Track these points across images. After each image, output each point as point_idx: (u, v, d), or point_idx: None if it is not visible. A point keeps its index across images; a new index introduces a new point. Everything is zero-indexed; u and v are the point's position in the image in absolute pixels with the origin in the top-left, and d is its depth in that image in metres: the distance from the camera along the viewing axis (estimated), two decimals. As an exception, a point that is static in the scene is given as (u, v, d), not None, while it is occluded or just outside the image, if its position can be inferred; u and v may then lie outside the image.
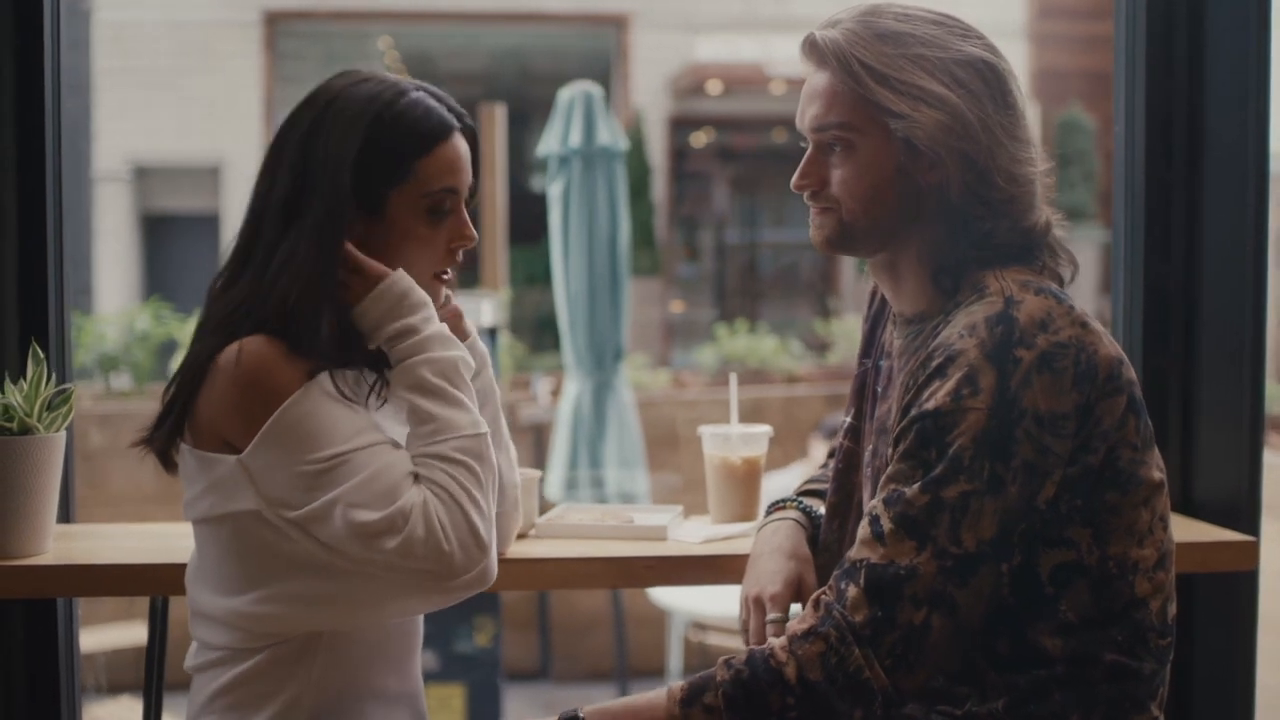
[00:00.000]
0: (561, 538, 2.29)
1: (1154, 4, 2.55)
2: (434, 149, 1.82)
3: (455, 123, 1.86)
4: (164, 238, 14.05)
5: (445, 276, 1.89)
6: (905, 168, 1.80)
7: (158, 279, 14.00)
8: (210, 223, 13.68)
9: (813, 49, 1.86)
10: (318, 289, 1.76)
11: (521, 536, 2.27)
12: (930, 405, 1.68)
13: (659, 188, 13.34)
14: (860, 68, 1.79)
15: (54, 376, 2.19)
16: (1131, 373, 1.76)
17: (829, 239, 1.88)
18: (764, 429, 2.41)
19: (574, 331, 5.31)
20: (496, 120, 7.22)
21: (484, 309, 4.94)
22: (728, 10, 13.25)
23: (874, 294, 2.07)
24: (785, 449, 6.50)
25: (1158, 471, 1.77)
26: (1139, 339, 2.59)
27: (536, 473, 2.35)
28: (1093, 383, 1.69)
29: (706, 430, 2.41)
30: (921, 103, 1.76)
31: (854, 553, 1.70)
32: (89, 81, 13.18)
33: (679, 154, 14.25)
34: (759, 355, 8.37)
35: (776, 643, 1.70)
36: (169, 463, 1.85)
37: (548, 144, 5.40)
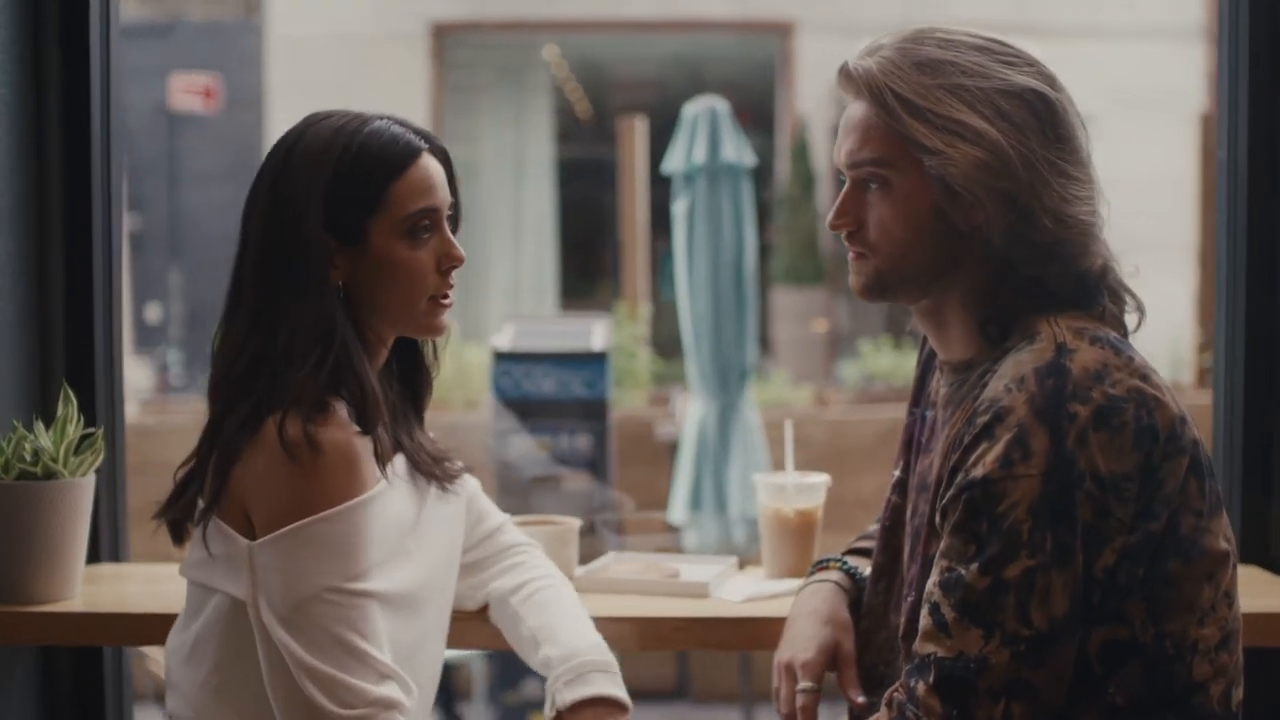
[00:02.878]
0: (598, 592, 2.19)
1: (1257, 23, 2.34)
2: (404, 172, 1.78)
3: (422, 144, 1.82)
4: (335, 247, 14.29)
5: (445, 301, 1.84)
6: (943, 209, 1.65)
7: (329, 288, 14.23)
8: (379, 233, 13.86)
9: (847, 79, 1.73)
10: (312, 332, 1.72)
11: (560, 589, 2.17)
12: (978, 473, 1.53)
13: (824, 195, 13.13)
14: (894, 100, 1.66)
15: (82, 419, 2.16)
16: (1195, 432, 1.59)
17: (867, 287, 1.75)
18: (821, 479, 2.28)
19: (698, 352, 5.20)
20: (636, 133, 7.15)
21: (595, 331, 4.86)
22: (890, 15, 12.98)
23: (925, 339, 1.92)
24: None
25: (1224, 542, 1.60)
26: (1240, 384, 2.39)
27: (575, 522, 2.26)
28: (1154, 441, 1.53)
29: (760, 479, 2.29)
30: (958, 138, 1.62)
31: (920, 645, 1.56)
32: (261, 96, 13.51)
33: (843, 161, 14.02)
34: (903, 372, 8.15)
35: None
36: (182, 534, 1.80)
37: (672, 161, 5.29)
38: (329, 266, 1.75)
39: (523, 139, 13.82)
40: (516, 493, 4.62)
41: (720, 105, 5.28)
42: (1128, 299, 1.72)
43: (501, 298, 13.50)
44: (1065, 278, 1.66)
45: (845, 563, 2.00)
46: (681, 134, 5.27)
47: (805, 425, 6.54)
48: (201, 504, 1.73)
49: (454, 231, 1.88)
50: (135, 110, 13.16)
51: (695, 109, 5.27)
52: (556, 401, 4.69)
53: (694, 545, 5.26)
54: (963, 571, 1.53)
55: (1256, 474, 2.39)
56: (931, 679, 1.53)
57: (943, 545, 1.58)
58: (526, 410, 4.70)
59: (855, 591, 1.97)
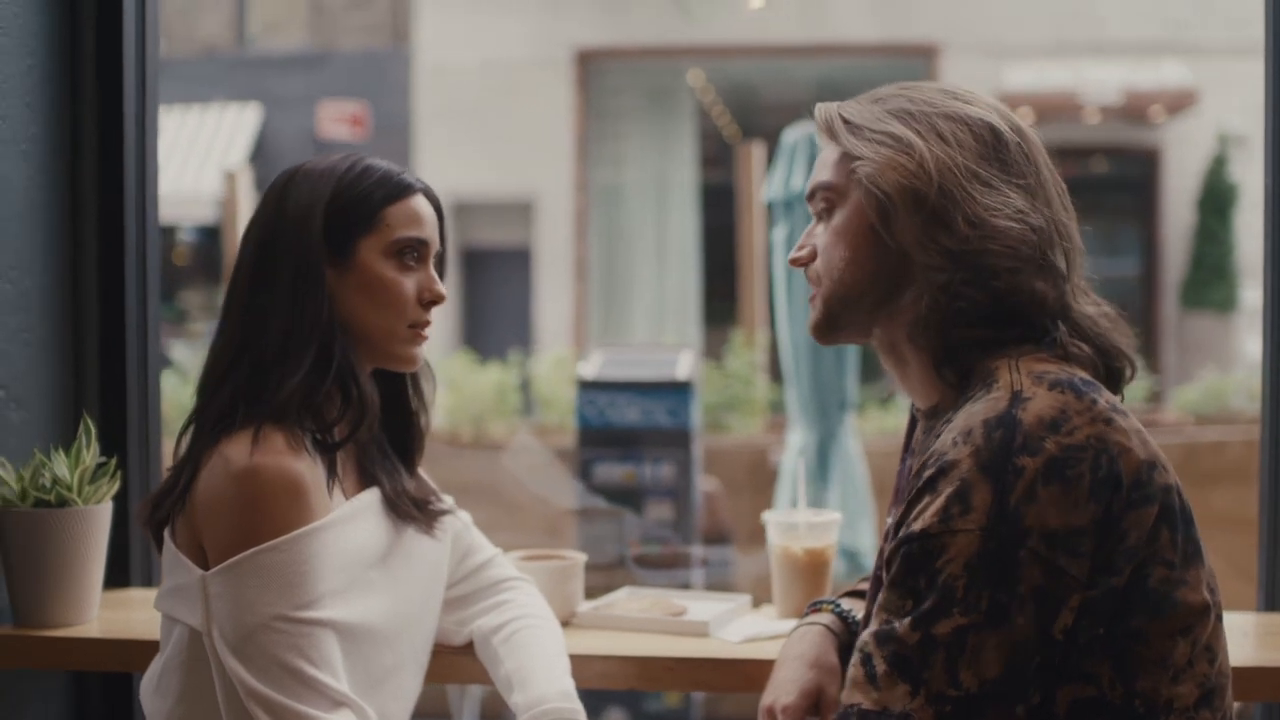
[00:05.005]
0: (599, 629, 2.17)
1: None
2: (400, 199, 1.85)
3: (420, 185, 1.88)
4: (481, 271, 14.51)
5: (423, 332, 1.87)
6: (878, 230, 1.62)
7: (476, 311, 14.47)
8: (523, 257, 14.05)
9: (816, 121, 1.74)
10: (310, 334, 1.76)
11: (564, 625, 2.15)
12: (917, 526, 1.48)
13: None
14: (841, 123, 1.68)
15: (98, 448, 2.20)
16: (1168, 477, 1.51)
17: (816, 324, 1.74)
18: (832, 517, 2.22)
19: (798, 381, 5.13)
20: (753, 159, 7.11)
21: (680, 361, 4.83)
22: (1039, 36, 12.76)
23: None
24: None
25: (1204, 593, 1.51)
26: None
27: (580, 557, 2.24)
28: (1116, 491, 1.46)
29: (770, 517, 2.24)
30: (884, 146, 1.61)
31: (847, 695, 1.51)
32: (408, 122, 13.76)
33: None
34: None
35: None
36: (163, 541, 1.82)
37: (771, 188, 5.24)
38: (325, 275, 1.80)
39: (667, 163, 13.86)
40: (593, 521, 4.62)
41: (819, 132, 5.21)
42: (1114, 352, 1.64)
43: (645, 322, 13.54)
44: (984, 292, 1.57)
45: (838, 605, 1.95)
46: (780, 161, 5.21)
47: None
48: (170, 514, 1.76)
49: (439, 276, 1.91)
50: (284, 138, 13.51)
51: (794, 135, 5.20)
52: (640, 430, 4.68)
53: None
54: (897, 625, 1.48)
55: (1303, 519, 2.28)
56: None
57: (881, 598, 1.53)
58: (610, 439, 4.71)
59: (847, 635, 1.91)
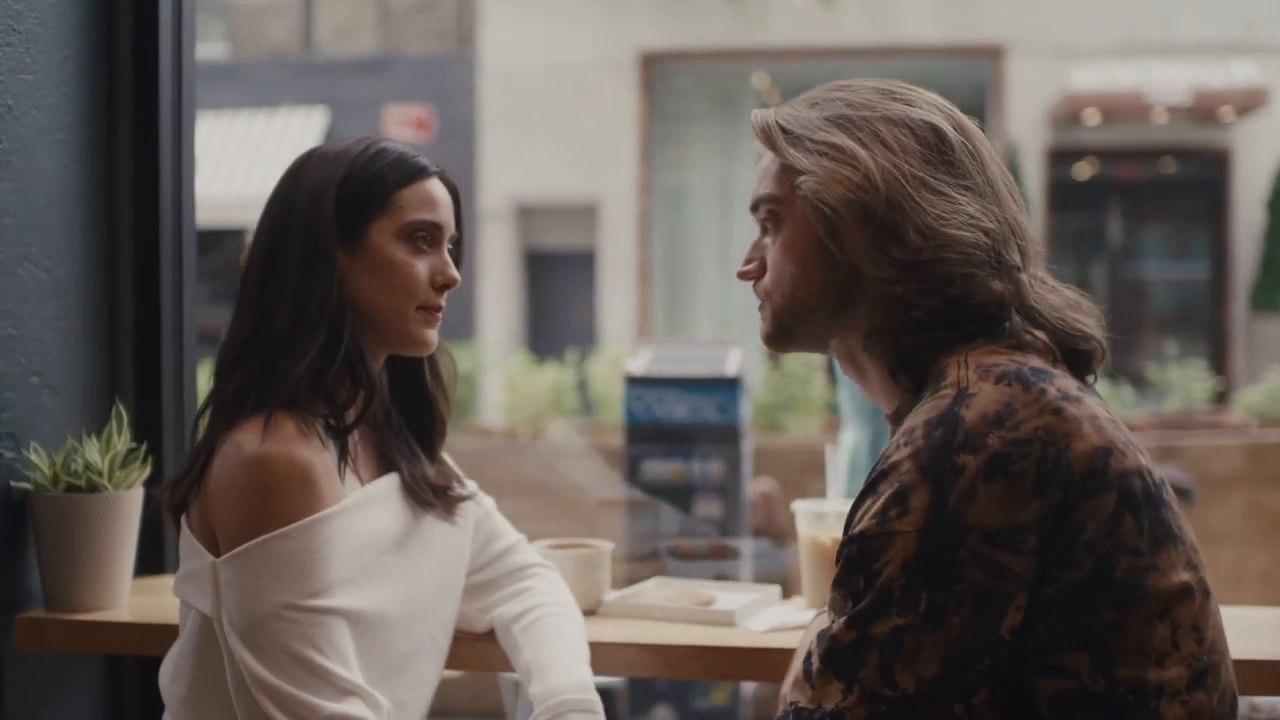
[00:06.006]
0: (625, 618, 2.16)
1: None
2: (414, 182, 1.83)
3: (435, 169, 1.86)
4: (544, 274, 14.56)
5: (435, 314, 1.85)
6: (825, 242, 1.60)
7: (540, 314, 14.51)
8: (587, 260, 14.09)
9: (753, 129, 1.72)
10: (318, 319, 1.75)
11: (590, 614, 2.15)
12: (858, 528, 1.48)
13: (1035, 218, 12.82)
14: (779, 133, 1.65)
15: (128, 434, 2.22)
16: (1128, 462, 1.47)
17: (768, 334, 1.73)
18: (862, 506, 2.19)
19: (849, 380, 5.08)
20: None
21: (729, 357, 4.80)
22: (1106, 37, 12.62)
23: None
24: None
25: (1181, 574, 1.47)
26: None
27: (607, 545, 2.22)
28: (1067, 484, 1.42)
29: (800, 506, 2.22)
30: (825, 158, 1.58)
31: (790, 693, 1.50)
32: (473, 126, 13.82)
33: (1057, 186, 13.65)
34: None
35: None
36: (179, 521, 1.83)
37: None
38: (336, 258, 1.78)
39: (731, 166, 13.86)
40: (639, 514, 4.61)
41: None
42: (1076, 337, 1.59)
43: (708, 323, 13.54)
44: (939, 300, 1.55)
45: (861, 593, 1.93)
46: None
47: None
48: (186, 498, 1.76)
49: (455, 264, 1.89)
50: (350, 141, 13.63)
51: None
52: (689, 426, 4.66)
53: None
54: (834, 625, 1.47)
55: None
56: None
57: (829, 598, 1.53)
58: (659, 435, 4.69)
59: None
